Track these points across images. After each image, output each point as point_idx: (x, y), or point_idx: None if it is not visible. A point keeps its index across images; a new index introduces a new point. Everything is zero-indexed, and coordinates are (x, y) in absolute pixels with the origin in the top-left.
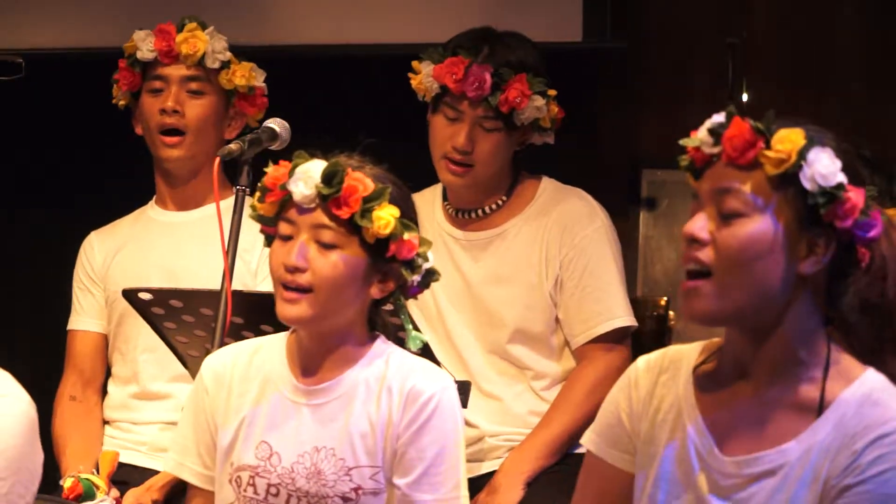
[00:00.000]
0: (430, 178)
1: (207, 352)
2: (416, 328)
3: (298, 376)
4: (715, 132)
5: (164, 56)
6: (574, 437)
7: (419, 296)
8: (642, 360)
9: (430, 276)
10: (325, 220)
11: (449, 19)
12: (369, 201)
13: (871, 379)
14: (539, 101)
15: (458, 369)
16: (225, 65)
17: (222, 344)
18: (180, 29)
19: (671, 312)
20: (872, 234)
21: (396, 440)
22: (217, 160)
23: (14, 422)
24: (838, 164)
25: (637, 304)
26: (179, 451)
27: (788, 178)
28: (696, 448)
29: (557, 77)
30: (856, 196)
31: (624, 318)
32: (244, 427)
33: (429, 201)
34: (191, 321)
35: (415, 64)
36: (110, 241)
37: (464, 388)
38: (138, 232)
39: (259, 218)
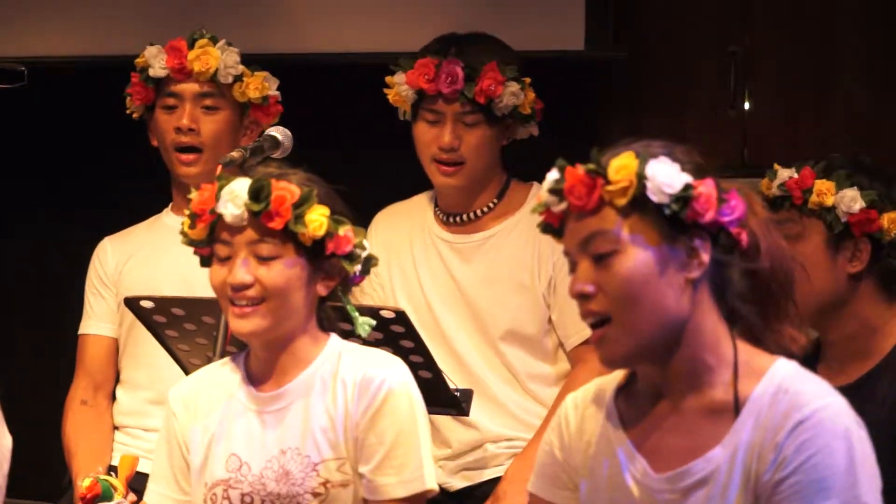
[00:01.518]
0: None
1: (209, 360)
2: (375, 314)
3: (256, 386)
4: (555, 190)
5: (176, 73)
6: None
7: (414, 301)
8: (570, 398)
9: (370, 262)
10: (260, 234)
11: (450, 28)
12: (299, 207)
13: (781, 369)
14: (514, 87)
15: (456, 371)
16: (238, 78)
17: (224, 352)
18: (191, 45)
19: None
20: (738, 214)
21: (356, 428)
22: (219, 169)
23: None
24: (676, 166)
25: None
26: (157, 480)
27: (639, 201)
28: (631, 472)
29: (559, 85)
30: (706, 188)
31: None
32: (213, 444)
33: (420, 207)
34: (192, 329)
35: (388, 79)
36: (124, 246)
37: (466, 396)
38: (152, 238)
39: (191, 242)
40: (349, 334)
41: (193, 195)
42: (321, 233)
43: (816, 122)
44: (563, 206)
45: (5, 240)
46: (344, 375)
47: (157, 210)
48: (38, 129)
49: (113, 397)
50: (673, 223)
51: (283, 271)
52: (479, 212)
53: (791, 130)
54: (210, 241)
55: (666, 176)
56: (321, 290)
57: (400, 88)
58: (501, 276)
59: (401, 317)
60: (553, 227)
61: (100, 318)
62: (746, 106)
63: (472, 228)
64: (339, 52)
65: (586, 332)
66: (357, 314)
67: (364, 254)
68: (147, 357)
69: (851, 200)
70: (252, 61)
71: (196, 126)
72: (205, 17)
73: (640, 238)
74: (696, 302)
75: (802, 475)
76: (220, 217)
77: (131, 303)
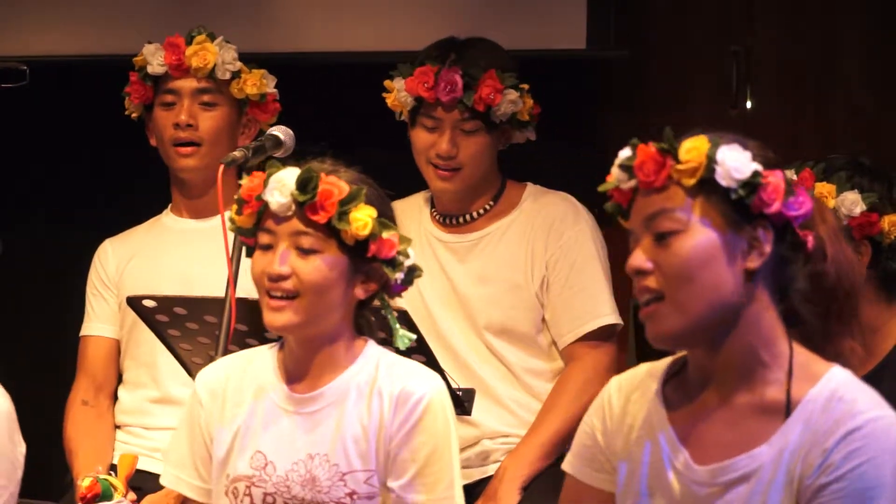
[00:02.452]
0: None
1: (211, 359)
2: (405, 327)
3: (290, 385)
4: (626, 167)
5: (174, 70)
6: (566, 437)
7: (410, 300)
8: (615, 381)
9: (413, 272)
10: (303, 226)
11: (451, 27)
12: (345, 204)
13: (836, 376)
14: (513, 95)
15: (454, 369)
16: (236, 75)
17: (226, 351)
18: (189, 41)
19: None
20: (804, 210)
21: (389, 442)
22: (221, 168)
23: None
24: (747, 154)
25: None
26: (175, 464)
27: (707, 184)
28: (671, 461)
29: (560, 85)
30: (775, 179)
31: (610, 315)
32: (238, 438)
33: (416, 206)
34: (195, 328)
35: (387, 83)
36: (125, 247)
37: (468, 396)
38: (153, 239)
39: (238, 230)
40: (383, 342)
41: (244, 181)
42: (365, 233)
43: (818, 122)
44: (632, 182)
45: (5, 240)
46: (381, 386)
47: (158, 210)
48: (38, 127)
49: (115, 398)
50: (738, 210)
51: (322, 267)
52: (475, 213)
53: (793, 130)
54: (255, 229)
55: (736, 161)
56: (359, 293)
57: (399, 94)
58: (495, 276)
59: (403, 316)
60: (621, 207)
61: (101, 319)
62: (748, 105)
63: (467, 229)
64: (337, 51)
65: (580, 330)
66: (398, 325)
67: (407, 262)
68: (148, 356)
69: (852, 204)
70: (251, 60)
71: (194, 122)
72: (205, 16)
73: (703, 220)
74: (755, 294)
75: (847, 483)
76: (266, 205)
77: (133, 302)
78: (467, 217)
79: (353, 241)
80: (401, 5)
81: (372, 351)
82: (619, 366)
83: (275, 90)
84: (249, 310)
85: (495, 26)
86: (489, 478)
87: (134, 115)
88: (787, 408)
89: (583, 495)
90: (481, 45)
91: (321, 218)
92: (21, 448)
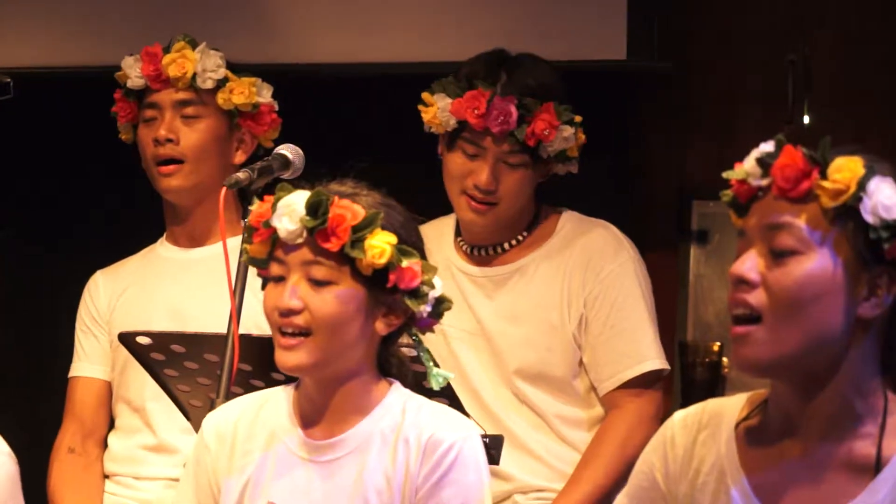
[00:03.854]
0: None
1: (212, 402)
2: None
3: (306, 430)
4: (764, 162)
5: (153, 81)
6: (608, 495)
7: (429, 337)
8: (679, 416)
9: (441, 304)
10: (315, 255)
11: (479, 36)
12: (359, 230)
13: None
14: (568, 132)
15: (480, 417)
16: (221, 83)
17: (228, 393)
18: (168, 49)
19: (725, 359)
20: None
21: (415, 494)
22: (223, 191)
23: None
24: None
25: (687, 350)
26: None
27: (847, 211)
28: None
29: (600, 99)
30: None
31: (655, 360)
32: (249, 488)
33: (437, 234)
34: (194, 368)
35: (426, 96)
36: (116, 280)
37: (496, 443)
38: (146, 271)
39: (251, 261)
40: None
41: (254, 206)
42: (382, 261)
43: (884, 139)
44: (764, 182)
45: None
46: (408, 433)
47: (154, 238)
48: (23, 144)
49: (104, 446)
50: (871, 250)
51: (335, 300)
52: (506, 245)
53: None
54: (269, 259)
55: (888, 198)
56: (381, 328)
57: (440, 112)
58: (528, 314)
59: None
60: (738, 202)
61: (91, 359)
62: (806, 120)
63: (497, 261)
64: (351, 62)
65: (621, 376)
66: (432, 364)
67: (433, 293)
68: (142, 399)
69: None
70: (250, 72)
71: (175, 136)
72: (200, 26)
73: (831, 249)
74: (861, 342)
75: None
76: (277, 232)
77: (126, 339)
78: (497, 249)
79: (370, 271)
80: (430, 14)
81: (398, 394)
82: (665, 413)
83: (271, 100)
84: (254, 347)
85: (529, 34)
86: None
87: (125, 138)
88: (877, 465)
89: None
90: (535, 69)
91: (333, 245)
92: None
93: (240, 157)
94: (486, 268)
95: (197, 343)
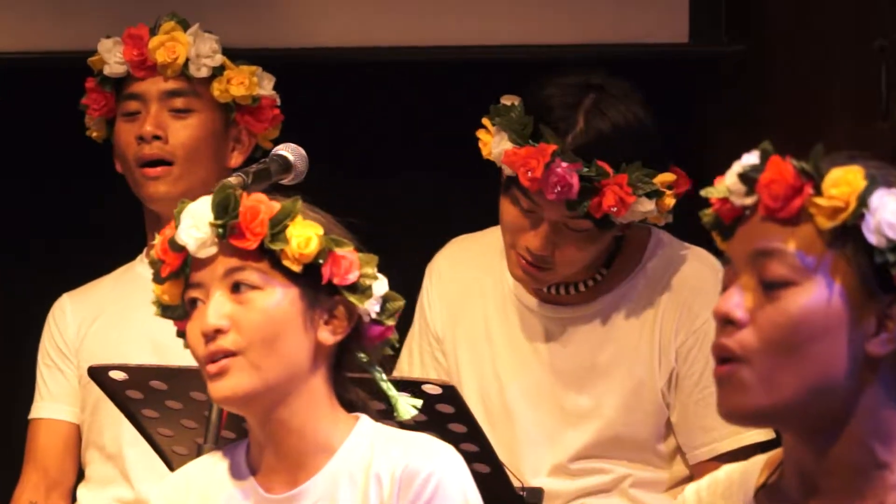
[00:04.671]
0: (469, 211)
1: (199, 448)
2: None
3: (263, 484)
4: (748, 177)
5: (136, 68)
6: None
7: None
8: (691, 491)
9: (389, 303)
10: (234, 261)
11: (510, 16)
12: (279, 220)
13: None
14: (644, 204)
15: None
16: (217, 72)
17: (218, 438)
18: (155, 31)
19: None
20: None
21: None
22: None
23: None
24: None
25: None
26: None
27: (847, 232)
28: None
29: (655, 92)
30: None
31: (759, 430)
32: None
33: (496, 251)
34: (177, 408)
35: (481, 134)
36: (87, 305)
37: (535, 496)
38: (121, 293)
39: (163, 312)
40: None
41: (155, 241)
42: (309, 250)
43: None
44: (749, 200)
45: None
46: (379, 469)
47: (131, 255)
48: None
49: (72, 499)
50: (878, 276)
51: (265, 308)
52: (580, 286)
53: None
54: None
55: (894, 214)
56: (325, 337)
57: (494, 151)
58: (608, 366)
59: (449, 393)
60: (722, 223)
61: (56, 398)
62: None
63: (571, 298)
64: (362, 46)
65: (716, 447)
66: (393, 390)
67: (377, 288)
68: (117, 445)
69: None
70: (249, 57)
71: (163, 133)
72: (203, 10)
73: (830, 278)
74: (873, 382)
75: None
76: (187, 260)
77: (97, 373)
78: (570, 289)
79: (299, 266)
80: None
81: (365, 427)
82: None
83: (273, 93)
84: None
85: (567, 14)
86: None
87: (96, 135)
88: None
89: None
90: (622, 111)
91: (251, 242)
92: None
93: (236, 160)
94: (557, 305)
95: (181, 378)
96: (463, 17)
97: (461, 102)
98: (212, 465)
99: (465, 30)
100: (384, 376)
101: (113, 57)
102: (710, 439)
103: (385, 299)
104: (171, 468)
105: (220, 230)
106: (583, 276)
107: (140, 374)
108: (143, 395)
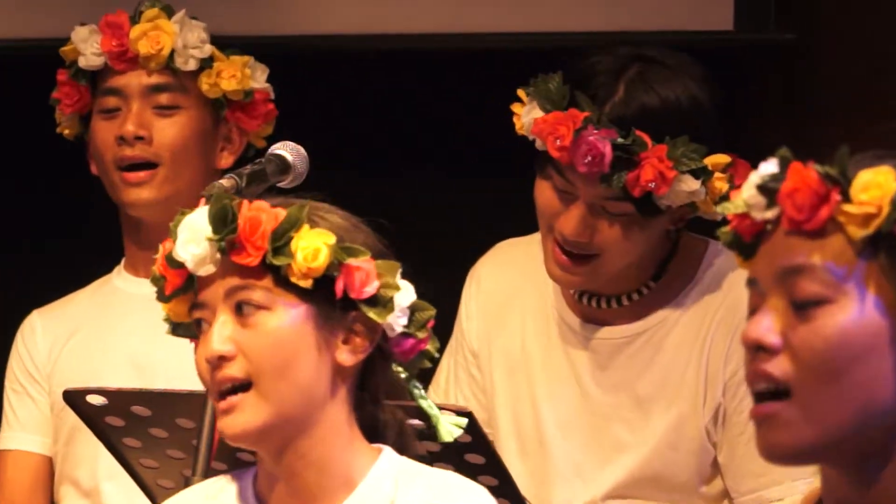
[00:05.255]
0: (480, 215)
1: (186, 481)
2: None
3: None
4: (767, 189)
5: (116, 60)
6: None
7: (517, 416)
8: None
9: (418, 313)
10: (236, 279)
11: (539, 2)
12: (283, 232)
13: None
14: (689, 183)
15: None
16: (205, 64)
17: (208, 470)
18: (136, 19)
19: None
20: None
21: None
22: (202, 203)
23: None
24: None
25: None
26: None
27: (881, 240)
28: None
29: None
30: None
31: (811, 479)
32: None
33: (532, 258)
34: (163, 437)
35: (521, 93)
36: (60, 323)
37: None
38: (98, 309)
39: (174, 330)
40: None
41: (157, 256)
42: (318, 263)
43: None
44: (771, 213)
45: None
46: None
47: (108, 267)
48: None
49: None
50: None
51: (275, 330)
52: (624, 300)
53: None
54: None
55: None
56: (344, 358)
57: (524, 122)
58: (649, 396)
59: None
60: (742, 241)
61: (25, 427)
62: None
63: (615, 316)
64: (372, 33)
65: (765, 494)
66: (435, 409)
67: (401, 298)
68: (94, 479)
69: None
70: (241, 46)
71: (146, 133)
72: None
73: (868, 292)
74: None
75: None
76: (191, 275)
77: (74, 398)
78: (612, 302)
79: (309, 282)
80: None
81: (388, 461)
82: None
83: (267, 85)
84: None
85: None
86: None
87: (68, 132)
88: None
89: None
90: (669, 82)
91: (253, 259)
92: None
93: (226, 160)
94: (599, 325)
95: (166, 404)
96: (481, 2)
97: (479, 95)
98: (215, 493)
99: (486, 15)
100: (423, 393)
101: (89, 47)
102: (757, 486)
103: (413, 309)
104: (155, 503)
105: (221, 245)
106: (627, 286)
107: (121, 399)
108: (124, 421)
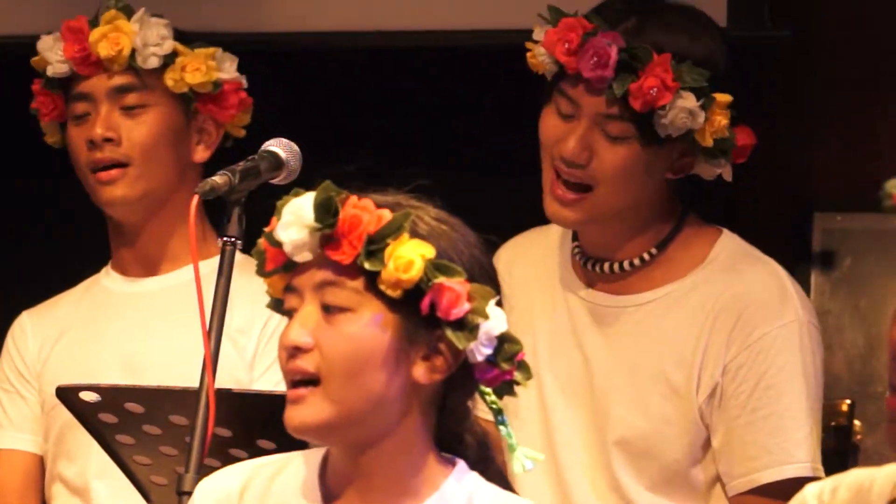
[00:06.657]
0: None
1: (179, 478)
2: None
3: None
4: None
5: (80, 65)
6: None
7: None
8: (811, 491)
9: (506, 344)
10: (328, 273)
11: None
12: (381, 237)
13: None
14: (689, 101)
15: (553, 494)
16: (168, 60)
17: (200, 467)
18: (96, 22)
19: (857, 422)
20: None
21: None
22: (195, 200)
23: None
24: None
25: None
26: None
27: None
28: None
29: None
30: None
31: (805, 464)
32: None
33: (555, 239)
34: (156, 434)
35: (536, 28)
36: (50, 323)
37: None
38: (88, 309)
39: (274, 306)
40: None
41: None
42: (409, 276)
43: None
44: None
45: None
46: None
47: (94, 267)
48: None
49: None
50: None
51: (353, 333)
52: (627, 263)
53: None
54: None
55: None
56: (420, 374)
57: (537, 50)
58: (645, 365)
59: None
60: None
61: (16, 426)
62: None
63: (619, 286)
64: (359, 31)
65: (756, 477)
66: (513, 439)
67: (490, 328)
68: (85, 477)
69: None
70: (205, 41)
71: (115, 134)
72: None
73: None
74: None
75: None
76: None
77: (67, 395)
78: (617, 267)
79: (398, 292)
80: None
81: (461, 479)
82: None
83: (236, 74)
84: (234, 406)
85: None
86: None
87: (52, 141)
88: None
89: None
90: (683, 26)
91: (345, 255)
92: None
93: (202, 154)
94: (604, 293)
95: (159, 400)
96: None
97: (478, 93)
98: (271, 472)
99: (481, 13)
100: (506, 419)
101: (54, 55)
102: (749, 469)
103: (502, 340)
104: (149, 499)
105: (321, 235)
106: (629, 248)
107: (114, 396)
108: (117, 418)
